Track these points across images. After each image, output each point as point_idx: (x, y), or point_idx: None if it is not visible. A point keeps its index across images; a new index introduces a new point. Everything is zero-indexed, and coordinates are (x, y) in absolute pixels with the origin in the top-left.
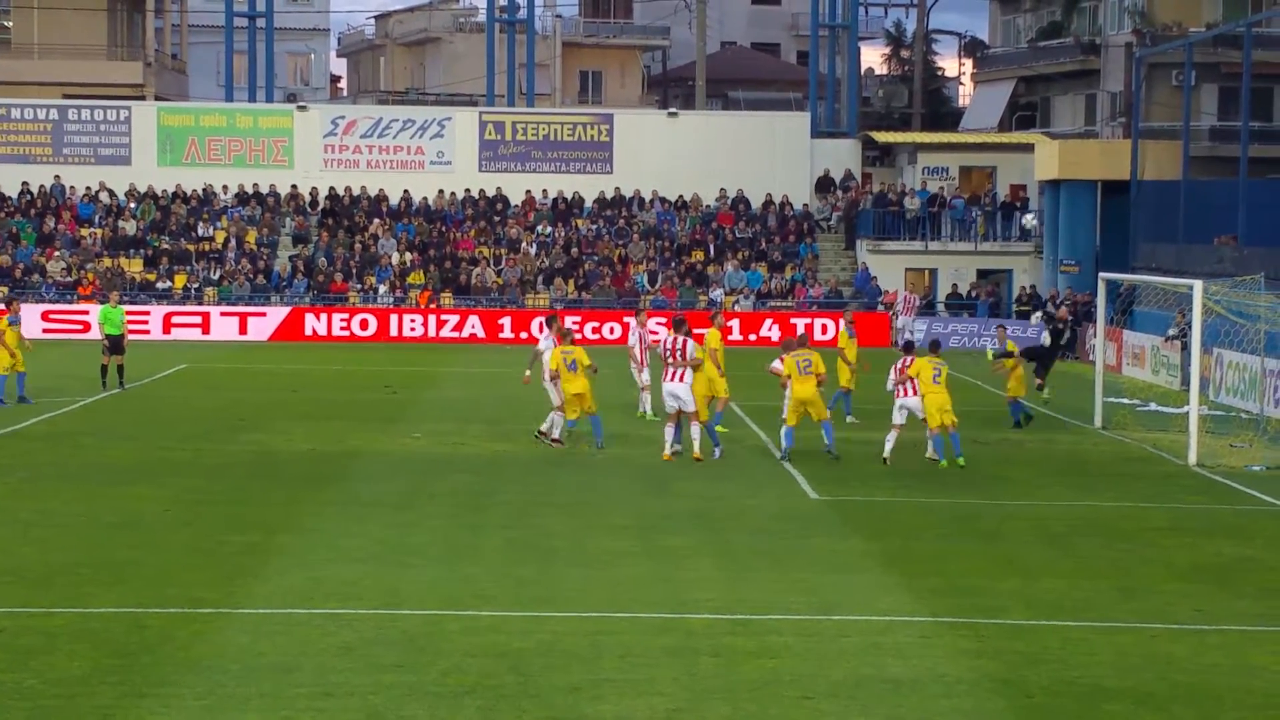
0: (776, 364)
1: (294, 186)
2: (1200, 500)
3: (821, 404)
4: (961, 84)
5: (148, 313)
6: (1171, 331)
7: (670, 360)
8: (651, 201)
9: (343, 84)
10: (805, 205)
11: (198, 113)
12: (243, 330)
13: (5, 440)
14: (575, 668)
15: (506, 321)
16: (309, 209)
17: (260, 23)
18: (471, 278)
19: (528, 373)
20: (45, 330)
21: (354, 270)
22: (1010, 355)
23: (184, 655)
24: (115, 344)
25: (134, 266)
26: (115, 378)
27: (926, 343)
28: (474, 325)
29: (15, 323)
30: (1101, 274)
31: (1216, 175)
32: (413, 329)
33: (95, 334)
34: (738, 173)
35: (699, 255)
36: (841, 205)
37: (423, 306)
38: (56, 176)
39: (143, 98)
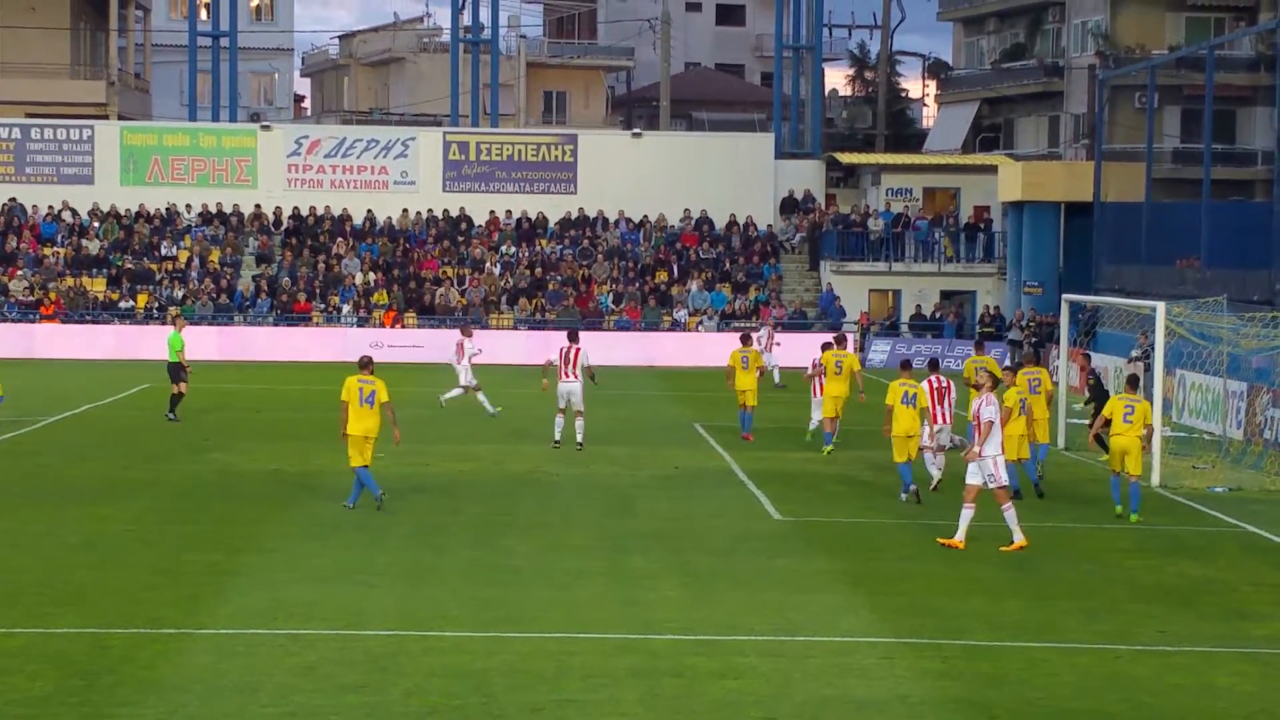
0: None
1: (258, 206)
2: (1163, 521)
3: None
4: (925, 105)
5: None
6: (1135, 353)
7: (565, 364)
8: (616, 222)
9: (306, 104)
10: (769, 226)
11: (161, 132)
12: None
13: None
14: (538, 688)
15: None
16: (272, 228)
17: (224, 42)
18: (435, 298)
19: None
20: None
21: (318, 290)
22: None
23: (146, 675)
24: (170, 372)
25: (97, 286)
26: (167, 406)
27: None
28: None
29: None
30: (1065, 295)
31: (1179, 197)
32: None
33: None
34: (702, 193)
35: (663, 276)
36: (805, 226)
37: (387, 326)
38: (13, 198)
39: (106, 117)
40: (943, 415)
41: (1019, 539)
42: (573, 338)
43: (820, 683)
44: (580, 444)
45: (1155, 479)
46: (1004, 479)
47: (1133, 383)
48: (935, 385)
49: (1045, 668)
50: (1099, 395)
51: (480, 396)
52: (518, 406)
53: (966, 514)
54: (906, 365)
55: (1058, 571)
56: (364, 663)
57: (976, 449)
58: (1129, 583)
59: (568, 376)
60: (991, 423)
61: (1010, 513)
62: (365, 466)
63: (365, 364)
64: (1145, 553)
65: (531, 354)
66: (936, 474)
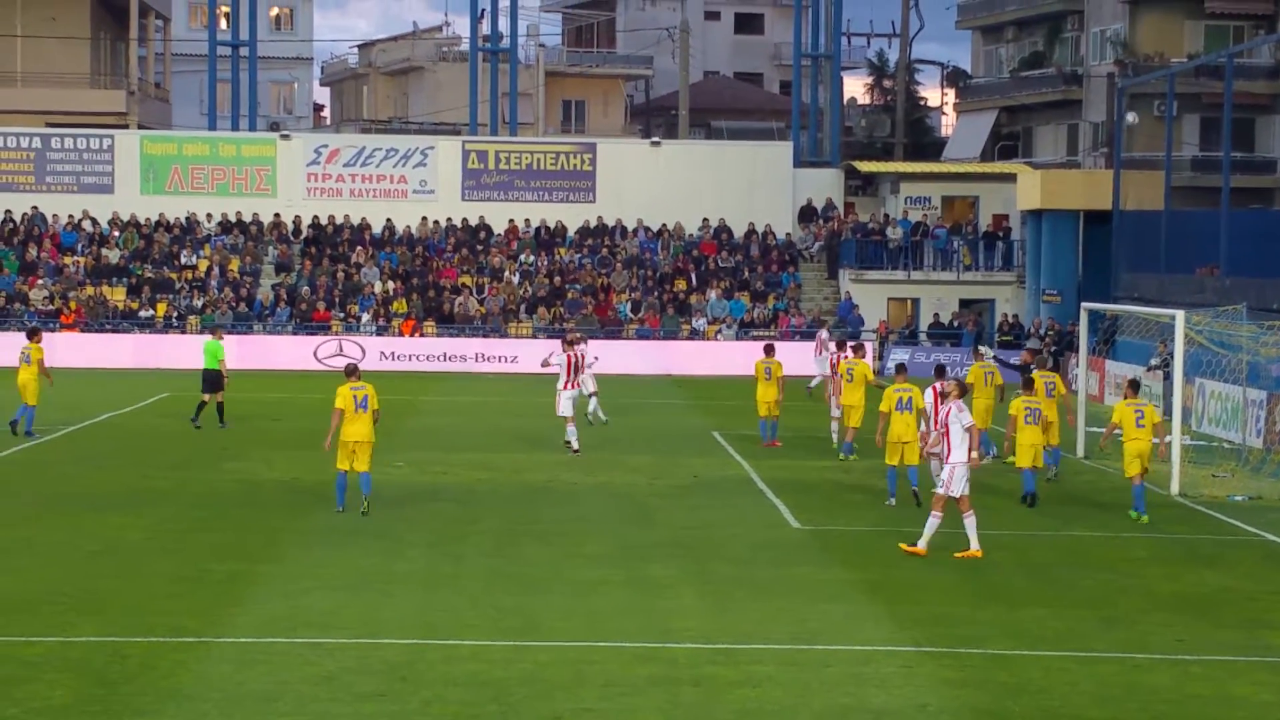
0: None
1: (277, 215)
2: (1182, 530)
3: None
4: (944, 114)
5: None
6: (1154, 361)
7: (575, 372)
8: (634, 230)
9: (326, 113)
10: (788, 234)
11: (181, 141)
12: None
13: None
14: (557, 697)
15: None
16: (292, 237)
17: (243, 51)
18: (454, 306)
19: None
20: None
21: (337, 299)
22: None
23: (166, 684)
24: (206, 379)
25: (116, 295)
26: (216, 417)
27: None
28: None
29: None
30: (1084, 304)
31: (1198, 205)
32: (395, 357)
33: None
34: (720, 202)
35: (682, 284)
36: (823, 235)
37: (405, 335)
38: (34, 206)
39: (126, 126)
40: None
41: (922, 545)
42: (577, 342)
43: (839, 692)
44: (568, 443)
45: (1175, 487)
46: (954, 490)
47: (1135, 387)
48: (938, 390)
49: (1064, 677)
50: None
51: (594, 402)
52: (536, 415)
53: (969, 522)
54: (901, 369)
55: (1076, 580)
56: (383, 671)
57: (975, 454)
58: (1147, 591)
59: (575, 385)
60: (973, 428)
61: (934, 521)
62: (346, 473)
63: (352, 371)
64: (1163, 561)
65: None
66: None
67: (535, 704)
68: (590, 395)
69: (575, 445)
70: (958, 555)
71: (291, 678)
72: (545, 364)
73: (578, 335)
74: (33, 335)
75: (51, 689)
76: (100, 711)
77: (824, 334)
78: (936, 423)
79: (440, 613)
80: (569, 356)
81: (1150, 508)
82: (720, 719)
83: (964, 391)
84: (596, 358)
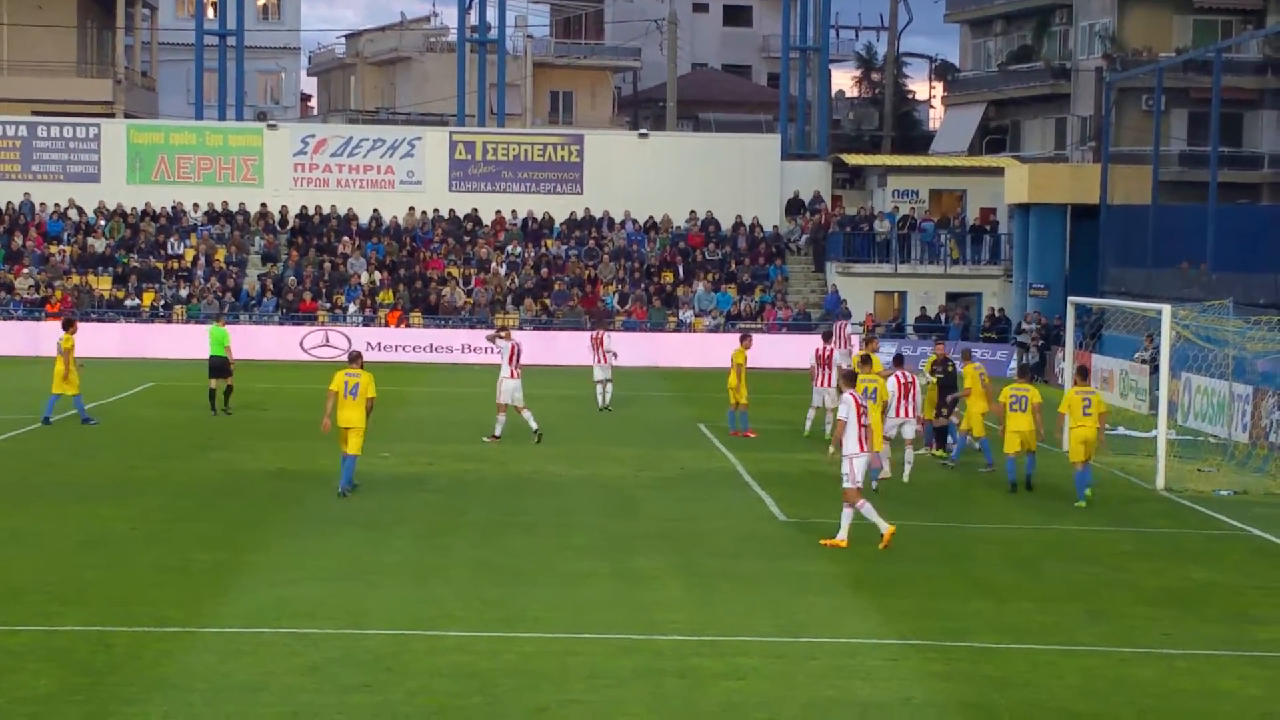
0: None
1: (263, 205)
2: (1168, 524)
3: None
4: (932, 107)
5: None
6: (1140, 355)
7: (513, 362)
8: (622, 222)
9: (313, 103)
10: (775, 227)
11: (167, 130)
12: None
13: None
14: (543, 688)
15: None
16: (278, 227)
17: (230, 41)
18: (441, 297)
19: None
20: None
21: (323, 289)
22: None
23: (151, 674)
24: (213, 366)
25: (103, 284)
26: (222, 402)
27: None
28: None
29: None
30: (1071, 298)
31: (1186, 200)
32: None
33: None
34: (708, 194)
35: (669, 276)
36: (810, 227)
37: (391, 326)
38: (26, 194)
39: (112, 115)
40: (907, 409)
41: (883, 531)
42: (507, 336)
43: (824, 684)
44: (539, 432)
45: (1160, 482)
46: (858, 479)
47: (1083, 374)
48: (901, 380)
49: (1049, 670)
50: (946, 374)
51: (605, 390)
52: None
53: (849, 513)
54: (866, 361)
55: (1062, 574)
56: (368, 662)
57: (832, 449)
58: (1133, 585)
59: (517, 375)
60: (844, 422)
61: (848, 513)
62: (345, 456)
63: (354, 358)
64: (1150, 556)
65: (537, 354)
66: (888, 471)
67: (521, 695)
68: (605, 382)
69: (498, 432)
70: (823, 542)
71: (277, 668)
72: (490, 339)
73: (507, 331)
74: (67, 325)
75: (36, 678)
76: (84, 701)
77: (847, 328)
78: (897, 411)
79: (426, 604)
80: (513, 346)
81: (1135, 502)
82: (705, 711)
83: (853, 381)
84: (615, 354)
